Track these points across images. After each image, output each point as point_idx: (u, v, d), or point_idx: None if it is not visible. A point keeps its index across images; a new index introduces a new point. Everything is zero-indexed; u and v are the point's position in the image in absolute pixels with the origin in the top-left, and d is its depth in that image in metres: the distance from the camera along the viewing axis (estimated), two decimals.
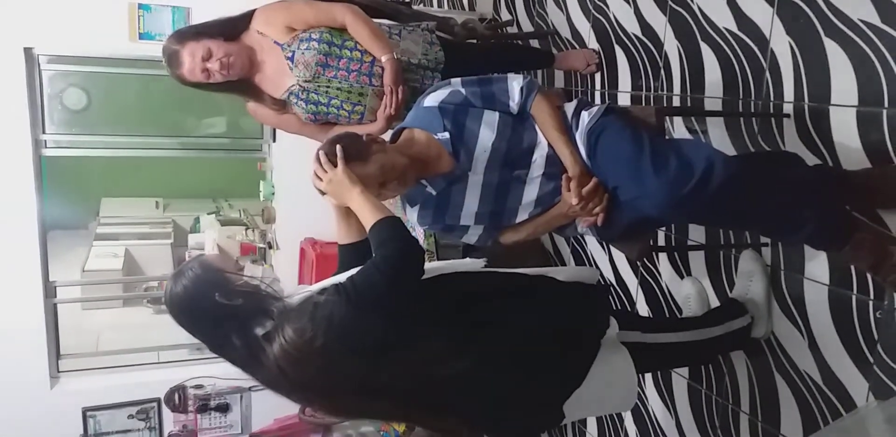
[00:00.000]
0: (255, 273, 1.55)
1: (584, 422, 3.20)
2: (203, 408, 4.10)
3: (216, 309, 1.46)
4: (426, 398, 1.56)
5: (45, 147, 3.76)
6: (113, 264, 5.67)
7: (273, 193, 4.18)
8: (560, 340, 1.65)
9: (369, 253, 1.52)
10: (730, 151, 2.17)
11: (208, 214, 6.45)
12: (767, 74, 2.10)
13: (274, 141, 4.07)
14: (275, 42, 2.28)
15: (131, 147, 4.29)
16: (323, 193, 1.70)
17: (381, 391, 1.52)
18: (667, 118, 2.42)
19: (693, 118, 2.38)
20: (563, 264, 3.23)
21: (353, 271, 1.51)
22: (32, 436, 3.76)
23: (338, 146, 1.64)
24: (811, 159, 1.94)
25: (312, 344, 1.40)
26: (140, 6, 3.54)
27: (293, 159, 3.77)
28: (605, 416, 3.01)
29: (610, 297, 1.89)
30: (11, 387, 3.72)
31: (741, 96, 2.19)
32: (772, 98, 2.08)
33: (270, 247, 4.35)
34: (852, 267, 1.85)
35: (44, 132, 3.72)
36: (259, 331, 1.43)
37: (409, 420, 2.23)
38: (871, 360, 1.82)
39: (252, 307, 1.46)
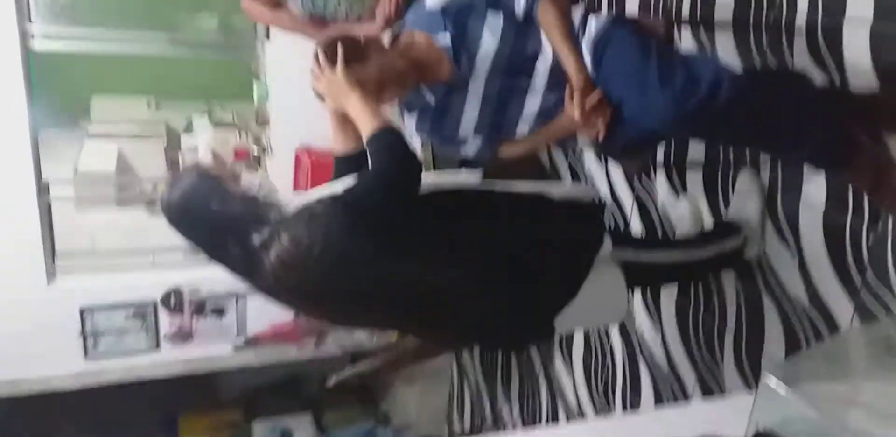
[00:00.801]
0: (253, 182, 1.53)
1: (570, 336, 3.28)
2: (199, 311, 4.18)
3: (214, 217, 1.46)
4: (420, 307, 1.58)
5: (33, 39, 3.62)
6: (106, 165, 5.62)
7: (267, 95, 4.08)
8: (554, 255, 1.66)
9: (366, 165, 1.50)
10: (737, 64, 2.10)
11: (201, 114, 6.33)
12: None
13: (268, 39, 3.92)
14: None
15: (121, 41, 4.13)
16: (321, 97, 1.65)
17: (375, 300, 1.55)
18: (675, 31, 2.32)
19: (702, 30, 2.29)
20: (560, 178, 3.21)
21: (350, 180, 1.49)
22: (31, 334, 3.84)
23: (338, 46, 1.57)
24: (819, 78, 1.87)
25: (309, 254, 1.41)
26: None
27: (289, 59, 3.64)
28: (592, 330, 3.09)
29: (604, 215, 1.88)
30: (9, 285, 3.77)
31: (753, 7, 2.09)
32: (784, 10, 1.99)
33: (265, 151, 4.30)
34: (849, 191, 1.83)
35: (30, 21, 3.57)
36: (256, 239, 1.44)
37: (402, 329, 2.28)
38: (859, 284, 1.83)
39: (249, 215, 1.46)
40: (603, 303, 1.75)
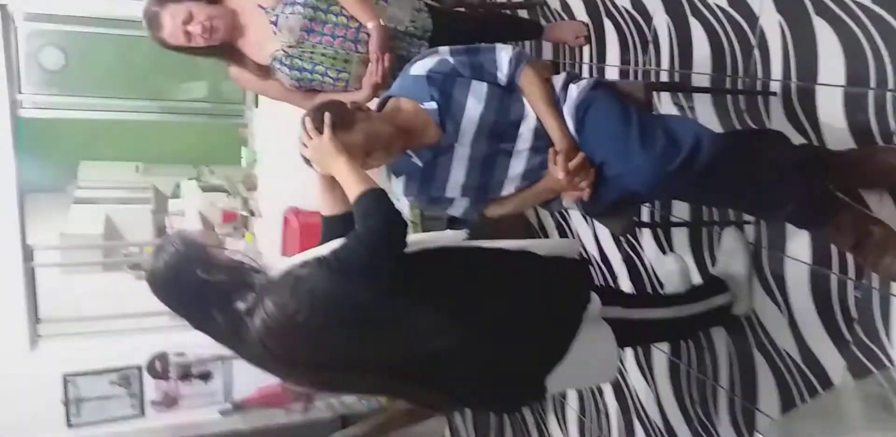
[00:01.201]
0: (237, 248, 1.53)
1: (564, 395, 3.24)
2: (185, 376, 4.10)
3: (198, 285, 1.45)
4: (409, 372, 1.56)
5: (22, 107, 3.68)
6: (93, 229, 5.60)
7: (255, 160, 4.13)
8: (542, 315, 1.66)
9: (352, 225, 1.50)
10: (716, 127, 2.16)
11: (189, 179, 6.37)
12: (756, 51, 2.08)
13: (256, 106, 4.00)
14: (258, 5, 2.22)
15: (110, 109, 4.20)
16: (308, 162, 1.67)
17: (364, 366, 1.52)
18: (654, 93, 2.39)
19: (680, 94, 2.36)
20: (547, 236, 3.23)
21: (336, 243, 1.49)
22: (13, 401, 3.75)
23: (325, 113, 1.61)
24: (797, 138, 1.93)
25: (294, 319, 1.39)
26: None
27: (276, 126, 3.72)
28: (586, 390, 3.05)
29: (591, 271, 1.89)
30: None
31: (729, 73, 2.17)
32: (759, 76, 2.07)
33: (252, 214, 4.31)
34: (833, 246, 1.86)
35: (20, 92, 3.63)
36: (241, 306, 1.42)
37: (392, 395, 2.23)
38: (850, 339, 1.84)
39: (234, 282, 1.45)
40: (594, 362, 1.74)
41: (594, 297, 1.73)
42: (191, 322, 1.51)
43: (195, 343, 3.86)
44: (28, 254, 3.83)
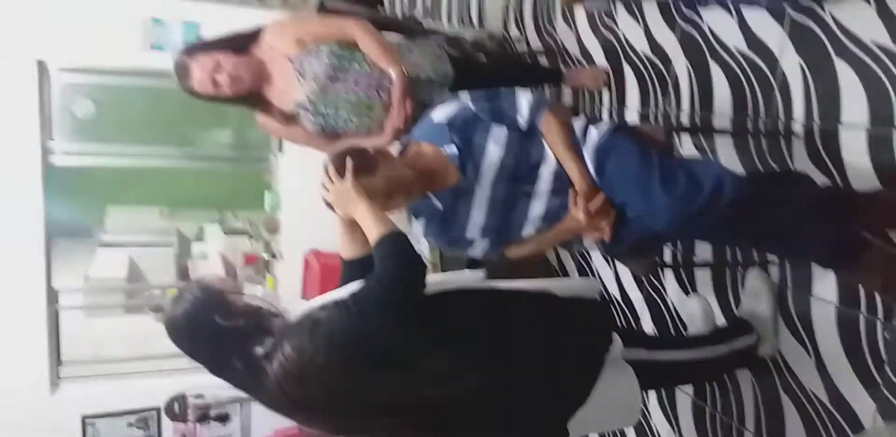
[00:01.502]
0: (255, 293, 1.54)
1: None
2: (203, 418, 4.07)
3: (217, 331, 1.45)
4: (429, 416, 1.55)
5: (52, 154, 3.78)
6: (117, 272, 5.66)
7: (278, 205, 4.18)
8: (563, 357, 1.64)
9: (372, 268, 1.51)
10: (738, 169, 2.17)
11: (212, 223, 6.45)
12: (777, 93, 2.10)
13: (281, 152, 4.08)
14: (284, 55, 2.28)
15: (138, 156, 4.30)
16: (330, 206, 1.70)
17: (382, 410, 1.51)
18: (675, 136, 2.42)
19: (701, 136, 2.38)
20: (568, 276, 3.22)
21: (355, 285, 1.50)
22: None
23: (347, 158, 1.64)
24: (821, 179, 1.93)
25: (313, 362, 1.39)
26: (152, 20, 3.57)
27: (299, 171, 3.79)
28: (608, 433, 2.99)
29: (612, 312, 1.87)
30: (12, 393, 3.70)
31: (750, 115, 2.19)
32: (781, 117, 2.08)
33: (274, 257, 4.35)
34: (860, 287, 1.84)
35: (51, 139, 3.74)
36: (259, 351, 1.43)
37: None
38: (879, 380, 1.80)
39: (252, 327, 1.45)
40: (617, 405, 1.71)
41: (616, 338, 1.72)
42: (209, 369, 1.51)
43: (214, 385, 3.79)
44: (52, 297, 3.88)
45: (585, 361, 1.67)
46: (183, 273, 5.99)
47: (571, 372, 1.65)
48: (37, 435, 3.74)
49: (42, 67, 3.57)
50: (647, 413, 2.72)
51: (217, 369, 1.50)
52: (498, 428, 1.63)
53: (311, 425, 1.74)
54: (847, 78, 1.88)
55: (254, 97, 2.35)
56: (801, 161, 2.01)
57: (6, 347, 3.66)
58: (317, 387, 1.42)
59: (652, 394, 2.67)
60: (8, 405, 3.69)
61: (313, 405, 1.47)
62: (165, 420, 4.03)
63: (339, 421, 1.58)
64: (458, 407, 1.55)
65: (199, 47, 2.26)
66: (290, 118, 2.38)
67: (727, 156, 2.25)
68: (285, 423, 4.10)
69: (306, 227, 3.89)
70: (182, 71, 2.24)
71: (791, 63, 2.05)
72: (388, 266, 1.47)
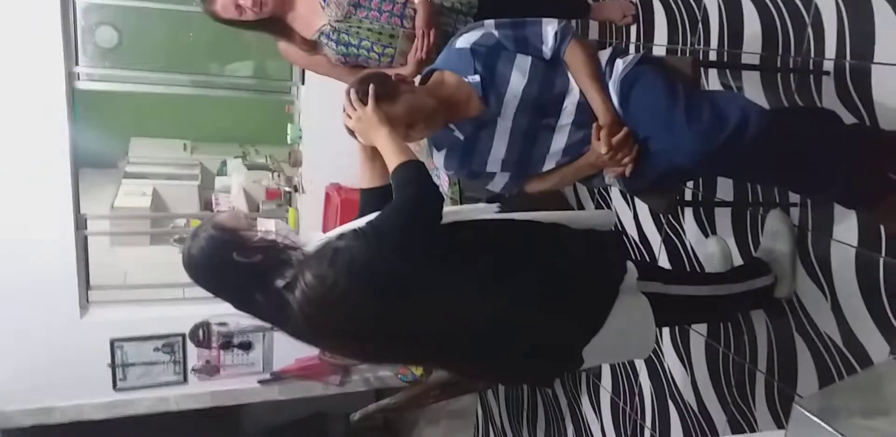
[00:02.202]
0: (269, 227, 1.54)
1: (598, 376, 3.24)
2: (226, 345, 4.22)
3: (236, 268, 1.46)
4: (448, 342, 1.57)
5: (78, 79, 3.78)
6: (141, 202, 5.76)
7: (300, 137, 4.18)
8: (577, 286, 1.65)
9: (390, 199, 1.52)
10: (764, 106, 2.12)
11: (235, 158, 6.49)
12: (809, 29, 2.03)
13: (303, 83, 4.05)
14: None
15: (161, 83, 4.30)
16: (351, 133, 1.70)
17: (404, 336, 1.54)
18: (702, 71, 2.36)
19: (729, 72, 2.32)
20: None
21: (373, 215, 1.51)
22: (63, 362, 3.93)
23: (370, 85, 1.62)
24: (848, 118, 1.89)
25: (334, 290, 1.41)
26: None
27: (322, 102, 3.77)
28: (620, 371, 3.05)
29: (625, 242, 1.87)
30: (43, 315, 3.86)
31: (780, 52, 2.12)
32: (812, 55, 2.02)
33: (296, 190, 4.38)
34: (882, 229, 1.82)
35: (77, 64, 3.74)
36: (280, 283, 1.44)
37: (432, 364, 2.26)
38: (895, 323, 1.80)
39: (270, 261, 1.46)
40: (631, 334, 1.73)
41: (631, 267, 1.72)
42: (233, 304, 1.53)
43: (237, 313, 3.95)
44: (81, 223, 3.96)
45: (600, 288, 1.69)
46: (206, 206, 6.07)
47: (586, 300, 1.67)
48: (68, 356, 3.94)
49: None
50: (659, 353, 2.75)
51: (240, 304, 1.52)
52: (514, 353, 1.66)
53: (335, 351, 1.79)
54: (883, 14, 1.80)
55: (277, 23, 2.32)
56: (829, 100, 1.95)
57: (38, 270, 3.78)
58: (339, 314, 1.45)
59: (665, 335, 2.70)
60: (40, 328, 3.85)
61: (336, 331, 1.50)
62: (190, 346, 4.18)
63: (362, 347, 1.62)
64: (476, 333, 1.57)
65: None
66: (312, 46, 2.35)
67: (754, 93, 2.19)
68: (306, 353, 4.24)
69: (328, 160, 3.92)
70: None
71: None
72: (407, 194, 1.49)
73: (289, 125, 4.23)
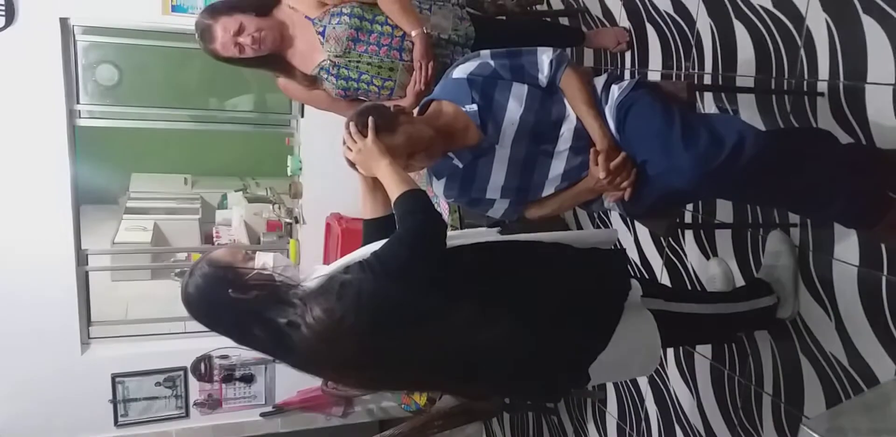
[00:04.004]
0: (267, 261, 1.53)
1: (604, 402, 3.21)
2: (228, 378, 4.19)
3: (232, 305, 1.47)
4: (457, 365, 1.58)
5: (79, 117, 3.82)
6: (142, 237, 5.76)
7: (300, 169, 4.21)
8: (582, 304, 1.66)
9: (393, 229, 1.53)
10: (760, 128, 2.14)
11: (235, 191, 6.51)
12: (802, 51, 2.06)
13: (302, 116, 4.09)
14: (306, 17, 2.28)
15: (161, 119, 4.34)
16: (352, 165, 1.71)
17: (413, 362, 1.54)
18: (697, 95, 2.39)
19: (724, 95, 2.35)
20: None
21: (375, 245, 1.52)
22: (64, 399, 3.90)
23: (369, 117, 1.65)
24: (844, 138, 1.91)
25: (343, 323, 1.41)
26: None
27: (321, 134, 3.82)
28: (626, 396, 3.02)
29: (628, 259, 1.88)
30: (44, 352, 3.83)
31: (774, 75, 2.16)
32: (806, 76, 2.05)
33: (297, 222, 4.39)
34: (883, 248, 1.83)
35: (78, 102, 3.78)
36: (281, 319, 1.45)
37: (441, 389, 2.25)
38: None
39: (268, 298, 1.47)
40: (637, 349, 1.73)
41: (634, 283, 1.74)
42: (232, 339, 1.54)
43: (239, 346, 3.94)
44: (82, 259, 3.96)
45: (605, 305, 1.69)
46: (207, 239, 6.07)
47: (592, 317, 1.67)
48: (69, 393, 3.91)
49: (65, 25, 3.59)
50: (665, 377, 2.74)
51: (240, 338, 1.52)
52: (522, 374, 1.66)
53: (341, 381, 1.78)
54: (874, 35, 1.84)
55: (276, 60, 2.35)
56: (824, 120, 1.98)
57: (39, 307, 3.77)
58: (347, 346, 1.45)
59: (670, 358, 2.68)
60: (41, 364, 3.83)
61: (344, 363, 1.50)
62: (192, 380, 4.15)
63: (370, 377, 1.62)
64: (484, 356, 1.57)
65: (222, 9, 2.25)
66: (312, 82, 2.39)
67: (749, 116, 2.21)
68: (308, 385, 4.21)
69: (328, 190, 3.95)
70: (205, 33, 2.24)
71: (817, 20, 2.00)
72: (409, 224, 1.50)
73: (289, 157, 4.26)
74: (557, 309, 1.62)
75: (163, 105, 4.59)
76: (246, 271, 1.50)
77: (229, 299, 1.46)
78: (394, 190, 1.57)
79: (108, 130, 4.39)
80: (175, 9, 3.60)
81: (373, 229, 1.73)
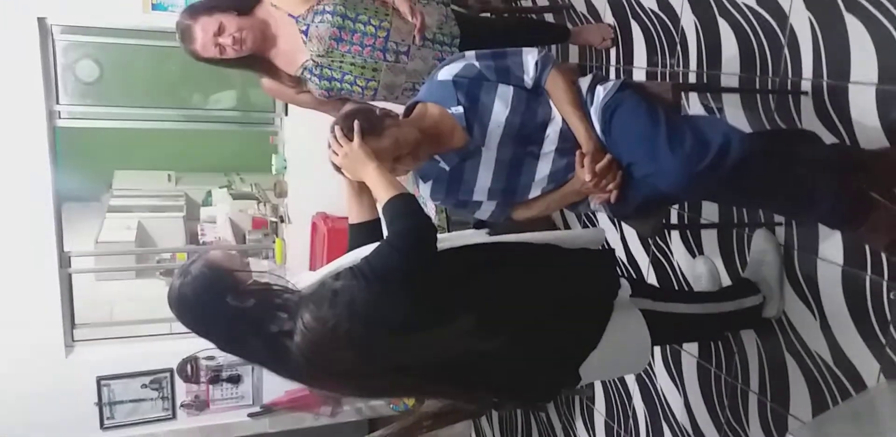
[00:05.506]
0: (262, 268, 1.51)
1: (592, 399, 3.22)
2: (215, 379, 4.17)
3: (227, 311, 1.43)
4: (452, 371, 1.57)
5: (59, 118, 3.77)
6: (126, 236, 5.70)
7: (285, 167, 4.18)
8: (573, 305, 1.66)
9: (379, 232, 1.52)
10: (745, 128, 2.15)
11: (220, 187, 6.47)
12: (786, 50, 2.06)
13: (286, 115, 4.06)
14: (289, 15, 2.25)
15: (143, 118, 4.29)
16: (338, 169, 1.69)
17: (408, 370, 1.53)
18: (683, 94, 2.38)
19: (709, 95, 2.35)
20: None
21: (365, 250, 1.50)
22: (49, 403, 3.85)
23: (355, 121, 1.63)
24: (828, 138, 1.91)
25: (336, 331, 1.39)
26: None
27: (305, 133, 3.78)
28: (614, 394, 3.04)
29: (616, 259, 1.88)
30: (28, 355, 3.79)
31: (758, 73, 2.16)
32: (790, 75, 2.05)
33: (282, 221, 4.37)
34: (867, 247, 1.84)
35: (58, 103, 3.73)
36: (274, 327, 1.42)
37: (435, 395, 2.24)
38: (884, 341, 1.81)
39: (264, 305, 1.44)
40: (627, 347, 1.74)
41: (624, 282, 1.74)
42: (219, 346, 1.50)
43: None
44: (65, 261, 3.92)
45: (595, 305, 1.70)
46: (192, 238, 6.03)
47: (582, 317, 1.67)
48: (54, 397, 3.87)
49: (43, 26, 3.53)
50: (652, 375, 2.75)
51: (227, 344, 1.50)
52: (515, 377, 1.66)
53: (334, 389, 1.75)
54: (857, 34, 1.84)
55: (259, 61, 2.32)
56: (808, 119, 1.99)
57: (22, 311, 3.73)
58: (340, 354, 1.43)
59: (658, 356, 2.69)
60: (26, 368, 3.79)
61: (337, 371, 1.48)
62: (178, 381, 4.13)
63: (365, 385, 1.60)
64: (477, 360, 1.56)
65: (202, 9, 2.22)
66: (298, 83, 2.36)
67: (734, 114, 2.22)
68: (296, 385, 4.19)
69: (314, 190, 3.92)
70: (185, 34, 2.21)
71: (800, 19, 2.01)
72: (399, 228, 1.48)
73: (273, 156, 4.23)
74: (549, 310, 1.62)
75: (144, 104, 4.54)
76: (244, 277, 1.47)
77: (225, 305, 1.42)
78: (382, 194, 1.56)
79: (90, 128, 4.34)
80: (155, 7, 3.56)
81: (359, 234, 1.72)
